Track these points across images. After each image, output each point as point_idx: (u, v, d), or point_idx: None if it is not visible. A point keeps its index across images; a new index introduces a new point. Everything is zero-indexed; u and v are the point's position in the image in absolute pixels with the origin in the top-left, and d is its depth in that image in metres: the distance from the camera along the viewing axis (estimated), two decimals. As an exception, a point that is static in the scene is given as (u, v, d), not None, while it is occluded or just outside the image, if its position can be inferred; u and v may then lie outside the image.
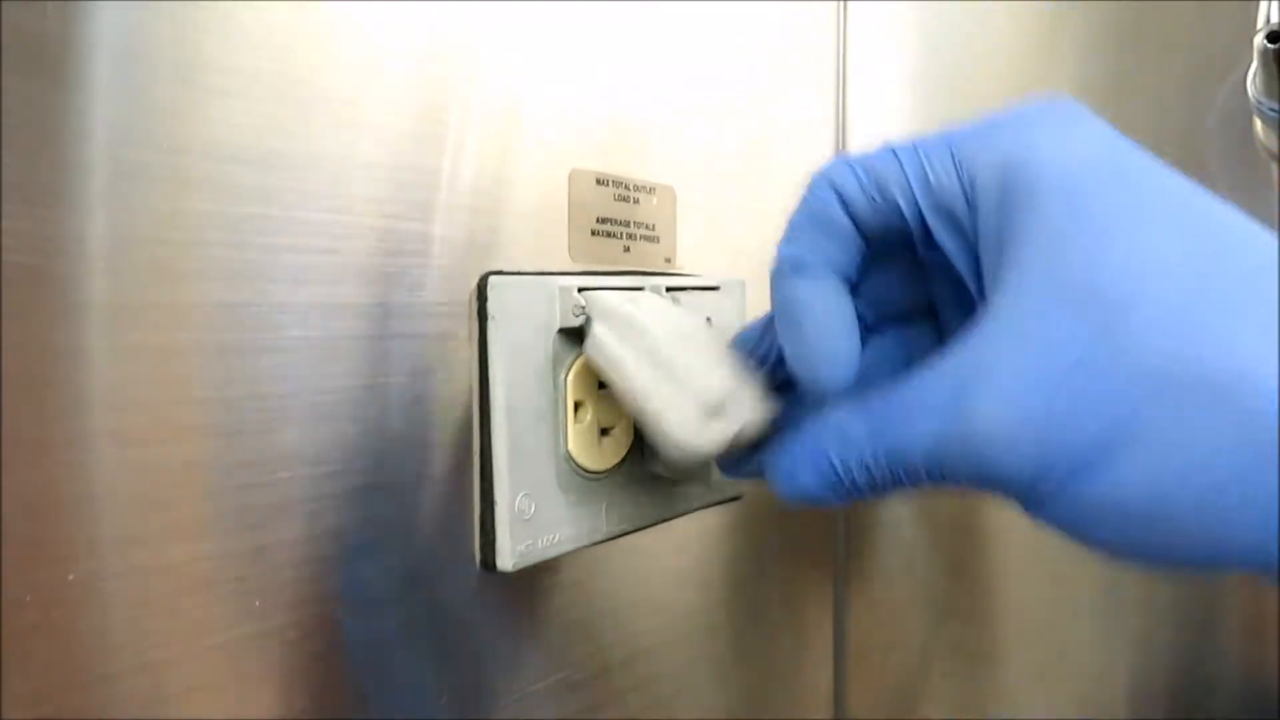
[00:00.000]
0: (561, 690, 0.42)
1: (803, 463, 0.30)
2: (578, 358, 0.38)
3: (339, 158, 0.32)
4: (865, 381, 0.32)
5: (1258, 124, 0.46)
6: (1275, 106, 0.44)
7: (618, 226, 0.43)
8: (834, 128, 0.61)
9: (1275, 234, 0.26)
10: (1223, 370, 0.24)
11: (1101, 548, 0.26)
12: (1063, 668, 0.54)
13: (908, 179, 0.30)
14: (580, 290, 0.38)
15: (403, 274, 0.34)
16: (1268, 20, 0.44)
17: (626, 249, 0.44)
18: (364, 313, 0.33)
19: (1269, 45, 0.41)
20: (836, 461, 0.29)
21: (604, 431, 0.39)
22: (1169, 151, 0.49)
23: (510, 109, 0.38)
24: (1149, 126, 0.50)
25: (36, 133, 0.25)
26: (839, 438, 0.29)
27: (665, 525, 0.45)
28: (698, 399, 0.34)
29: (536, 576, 0.40)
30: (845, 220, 0.31)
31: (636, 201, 0.44)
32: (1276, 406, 0.23)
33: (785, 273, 0.33)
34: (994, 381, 0.26)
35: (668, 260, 0.46)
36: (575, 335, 0.38)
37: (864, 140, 0.60)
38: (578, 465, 0.38)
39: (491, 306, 0.36)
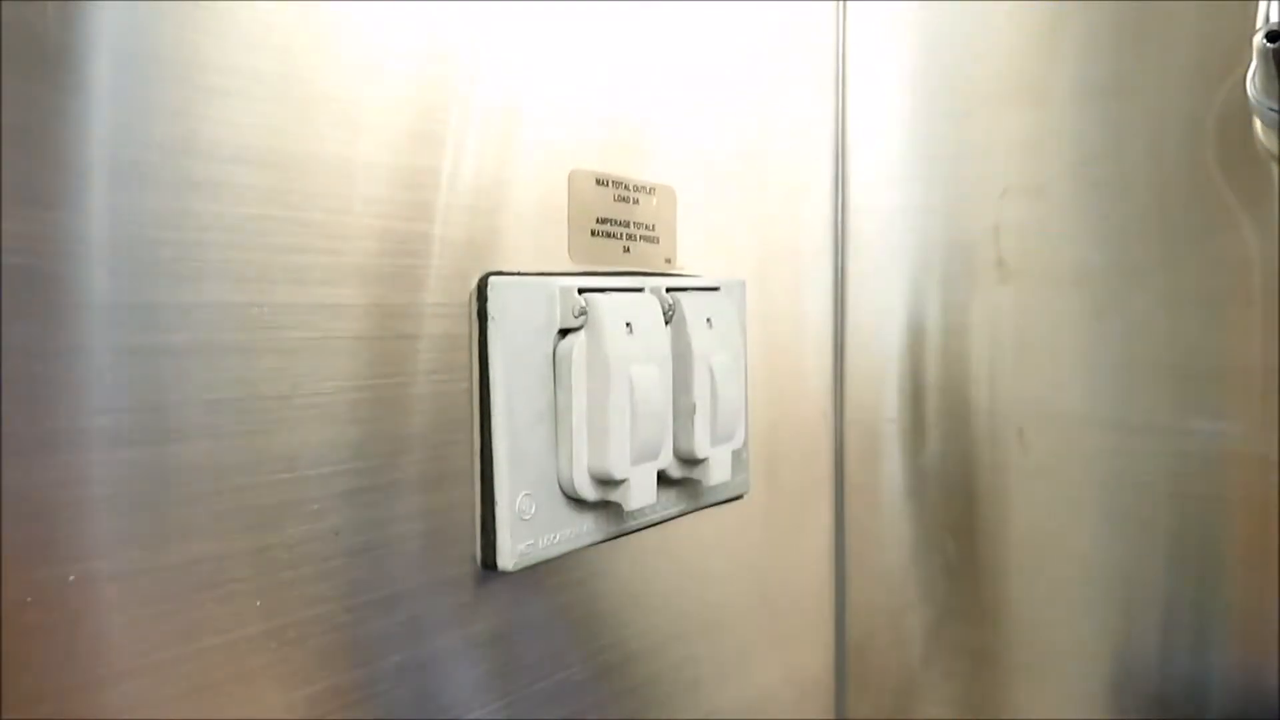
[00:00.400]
0: (561, 690, 0.42)
1: None
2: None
3: (339, 158, 0.32)
4: None
5: (1257, 124, 0.46)
6: (1275, 106, 0.44)
7: (618, 227, 0.43)
8: (834, 128, 0.61)
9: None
10: None
11: None
12: (1062, 668, 0.54)
13: None
14: (581, 291, 0.38)
15: (403, 274, 0.34)
16: (1267, 20, 0.44)
17: (626, 249, 0.44)
18: (364, 313, 0.33)
19: (1268, 45, 0.41)
20: None
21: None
22: (1169, 151, 0.49)
23: (510, 109, 0.38)
24: (1149, 126, 0.50)
25: (36, 133, 0.25)
26: None
27: (666, 526, 0.45)
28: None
29: (537, 576, 0.40)
30: None
31: (636, 202, 0.44)
32: None
33: None
34: None
35: (668, 260, 0.46)
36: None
37: (864, 140, 0.60)
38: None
39: (491, 307, 0.36)
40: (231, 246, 0.29)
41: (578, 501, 0.39)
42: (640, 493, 0.39)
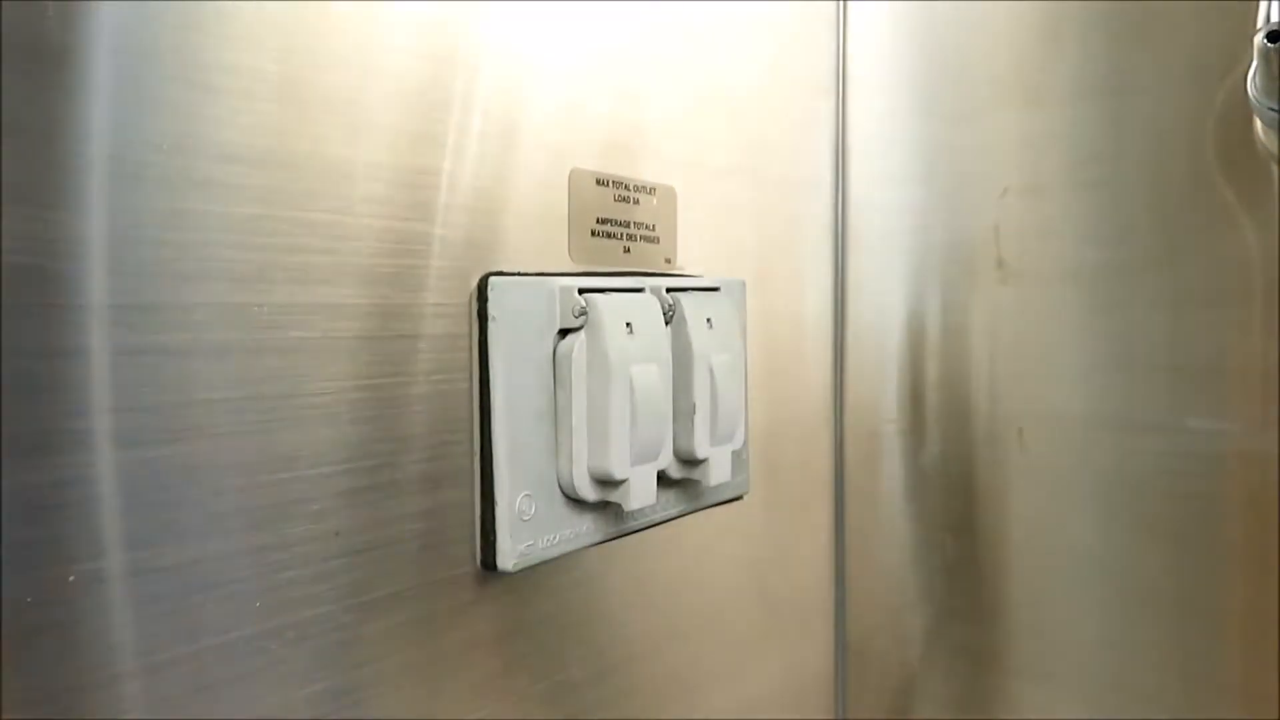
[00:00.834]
0: (561, 691, 0.42)
1: None
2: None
3: (340, 158, 0.32)
4: None
5: (1258, 124, 0.46)
6: (1275, 106, 0.44)
7: (618, 227, 0.43)
8: (834, 128, 0.61)
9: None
10: None
11: None
12: (1063, 668, 0.54)
13: None
14: (581, 291, 0.38)
15: (403, 274, 0.34)
16: (1267, 19, 0.44)
17: (627, 249, 0.44)
18: (364, 313, 0.33)
19: (1269, 45, 0.41)
20: None
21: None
22: (1169, 151, 0.49)
23: (510, 109, 0.38)
24: (1149, 126, 0.50)
25: (36, 133, 0.25)
26: None
27: (666, 526, 0.45)
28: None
29: (537, 577, 0.40)
30: None
31: (637, 202, 0.44)
32: None
33: None
34: None
35: (668, 260, 0.46)
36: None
37: (864, 140, 0.60)
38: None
39: (492, 307, 0.36)
40: (231, 246, 0.29)
41: (578, 502, 0.39)
42: (640, 493, 0.39)
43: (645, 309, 0.40)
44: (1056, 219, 0.53)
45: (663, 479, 0.42)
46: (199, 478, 0.29)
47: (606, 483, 0.38)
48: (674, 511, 0.44)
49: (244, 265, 0.30)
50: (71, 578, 0.26)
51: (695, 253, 0.48)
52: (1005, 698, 0.57)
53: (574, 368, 0.37)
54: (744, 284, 0.49)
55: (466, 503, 0.37)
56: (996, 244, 0.56)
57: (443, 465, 0.36)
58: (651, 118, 0.45)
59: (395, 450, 0.34)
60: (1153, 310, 0.50)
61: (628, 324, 0.39)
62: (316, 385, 0.32)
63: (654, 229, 0.45)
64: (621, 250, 0.43)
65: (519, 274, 0.37)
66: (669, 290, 0.43)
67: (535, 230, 0.39)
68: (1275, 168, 0.47)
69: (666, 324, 0.42)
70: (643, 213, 0.44)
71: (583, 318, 0.38)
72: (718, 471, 0.43)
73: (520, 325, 0.37)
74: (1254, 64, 0.44)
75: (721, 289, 0.46)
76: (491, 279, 0.36)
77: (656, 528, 0.44)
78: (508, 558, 0.36)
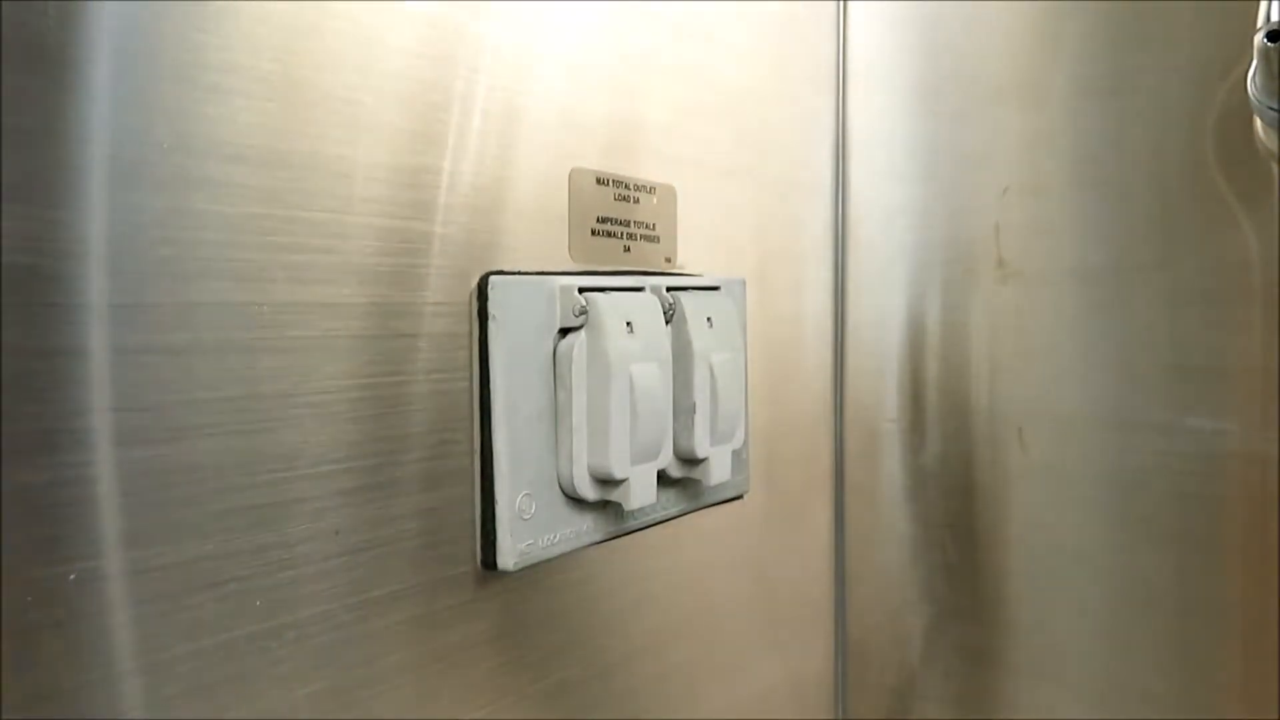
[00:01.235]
0: (561, 690, 0.42)
1: None
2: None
3: (340, 157, 0.32)
4: None
5: (1258, 124, 0.46)
6: (1275, 106, 0.44)
7: (618, 226, 0.43)
8: (834, 128, 0.61)
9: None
10: None
11: None
12: (1063, 668, 0.54)
13: None
14: (581, 290, 0.38)
15: (403, 273, 0.34)
16: (1267, 19, 0.44)
17: (627, 248, 0.44)
18: (364, 312, 0.33)
19: (1269, 44, 0.41)
20: None
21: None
22: (1169, 151, 0.49)
23: (510, 108, 0.38)
24: (1149, 126, 0.50)
25: (36, 133, 0.25)
26: None
27: (666, 525, 0.45)
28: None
29: (537, 576, 0.40)
30: None
31: (637, 201, 0.44)
32: None
33: None
34: None
35: (668, 260, 0.46)
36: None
37: (864, 140, 0.60)
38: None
39: (492, 306, 0.36)
40: (232, 245, 0.29)
41: (578, 501, 0.39)
42: (640, 492, 0.39)
43: (645, 308, 0.40)
44: (1057, 218, 0.53)
45: (663, 478, 0.42)
46: (199, 477, 0.29)
47: (607, 482, 0.38)
48: (674, 511, 0.44)
49: (244, 264, 0.30)
50: (71, 577, 0.26)
51: (695, 252, 0.48)
52: (1005, 697, 0.57)
53: (574, 367, 0.37)
54: (744, 283, 0.49)
55: (466, 502, 0.37)
56: (997, 243, 0.56)
57: (443, 464, 0.36)
58: (652, 117, 0.45)
59: (395, 449, 0.34)
60: (1153, 310, 0.50)
61: (628, 323, 0.39)
62: (316, 384, 0.32)
63: (654, 228, 0.45)
64: (622, 249, 0.43)
65: (519, 273, 0.37)
66: (669, 289, 0.43)
67: (535, 229, 0.39)
68: (1275, 167, 0.47)
69: (667, 323, 0.42)
70: (643, 212, 0.44)
71: (583, 317, 0.38)
72: (718, 471, 0.43)
73: (520, 324, 0.37)
74: (1254, 63, 0.44)
75: (721, 288, 0.46)
76: (492, 278, 0.36)
77: (656, 527, 0.44)
78: (508, 557, 0.36)
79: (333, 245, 0.32)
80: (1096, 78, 0.52)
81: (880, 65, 0.60)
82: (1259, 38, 0.41)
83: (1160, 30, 0.50)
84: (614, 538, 0.41)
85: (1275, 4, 0.43)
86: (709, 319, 0.43)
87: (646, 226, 0.45)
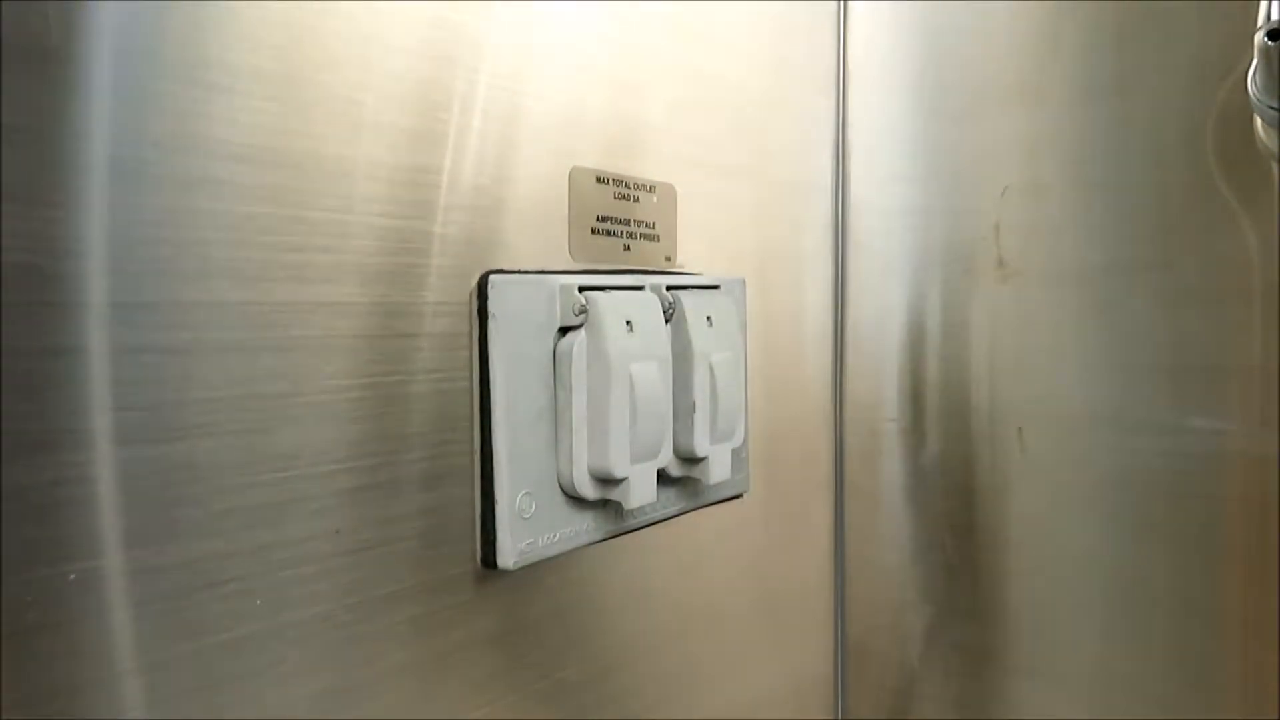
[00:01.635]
0: (561, 689, 0.42)
1: None
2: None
3: (340, 156, 0.32)
4: None
5: (1258, 123, 0.46)
6: (1275, 105, 0.44)
7: (618, 225, 0.43)
8: (834, 128, 0.61)
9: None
10: None
11: None
12: (1063, 668, 0.54)
13: None
14: (581, 289, 0.38)
15: (403, 272, 0.34)
16: (1268, 18, 0.44)
17: (627, 247, 0.44)
18: (364, 311, 0.33)
19: (1269, 43, 0.41)
20: None
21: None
22: (1169, 151, 0.49)
23: (510, 108, 0.38)
24: (1149, 126, 0.50)
25: (36, 133, 0.25)
26: None
27: (666, 524, 0.45)
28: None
29: (537, 575, 0.40)
30: None
31: (637, 200, 0.44)
32: None
33: None
34: None
35: (668, 259, 0.46)
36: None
37: (864, 140, 0.60)
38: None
39: (492, 305, 0.36)
40: (232, 245, 0.29)
41: (578, 500, 0.39)
42: (640, 491, 0.39)
43: (645, 307, 0.40)
44: (1057, 218, 0.53)
45: (663, 477, 0.42)
46: (199, 476, 0.29)
47: (606, 481, 0.38)
48: (674, 510, 0.44)
49: (244, 263, 0.30)
50: (71, 576, 0.26)
51: (695, 251, 0.48)
52: (1005, 697, 0.57)
53: (574, 366, 0.37)
54: (744, 282, 0.49)
55: (466, 501, 0.37)
56: (997, 243, 0.56)
57: (443, 463, 0.36)
58: (652, 116, 0.45)
59: (395, 448, 0.34)
60: (1153, 310, 0.50)
61: (628, 322, 0.39)
62: (316, 383, 0.32)
63: (654, 227, 0.45)
64: (622, 248, 0.43)
65: (519, 272, 0.37)
66: (669, 288, 0.43)
67: (535, 228, 0.39)
68: (1275, 167, 0.47)
69: (666, 322, 0.42)
70: (643, 211, 0.44)
71: (583, 316, 0.38)
72: (718, 470, 0.43)
73: (520, 323, 0.37)
74: (1254, 63, 0.44)
75: (721, 287, 0.46)
76: (492, 277, 0.36)
77: (656, 526, 0.44)
78: (508, 556, 0.36)
79: (333, 244, 0.32)
80: (1096, 78, 0.52)
81: (880, 65, 0.60)
82: (1259, 37, 0.41)
83: (1160, 30, 0.50)
84: (614, 537, 0.41)
85: (1275, 4, 0.43)
86: (709, 318, 0.43)
87: (646, 225, 0.45)
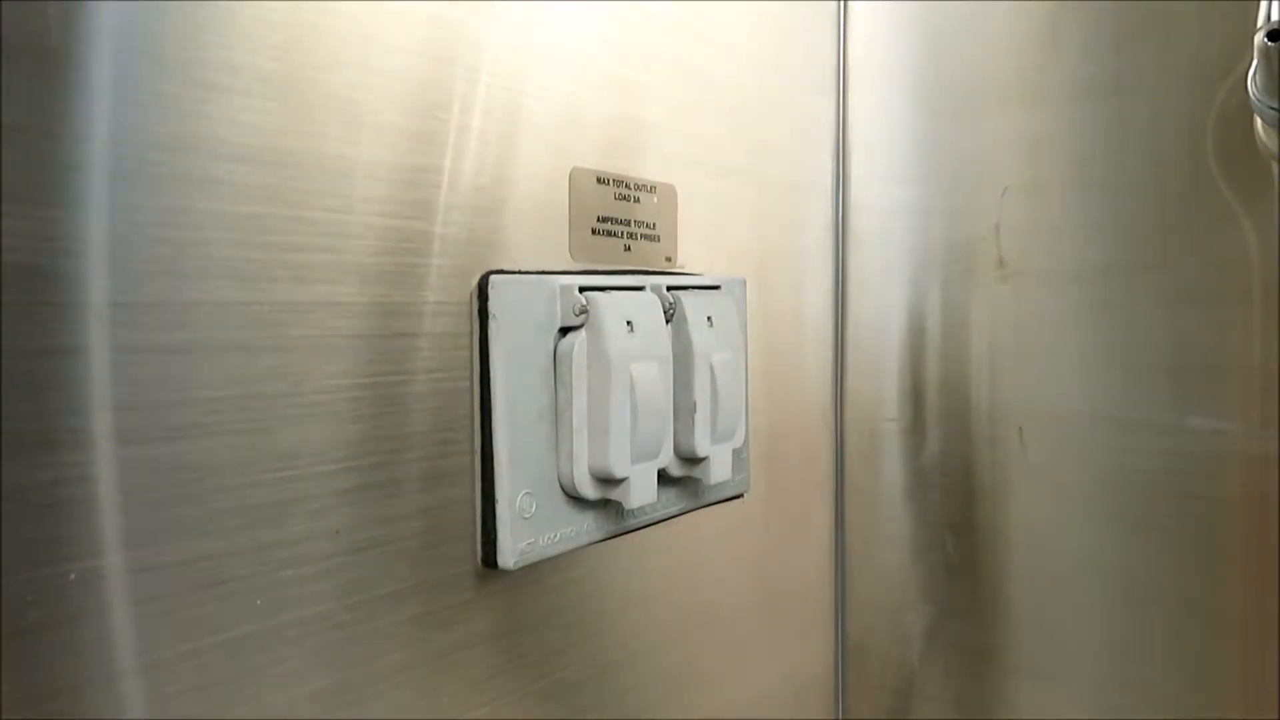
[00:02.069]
0: (561, 689, 0.42)
1: None
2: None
3: (340, 156, 0.32)
4: None
5: (1258, 123, 0.46)
6: (1275, 105, 0.44)
7: (618, 225, 0.43)
8: (834, 128, 0.61)
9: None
10: None
11: None
12: (1063, 667, 0.54)
13: None
14: (581, 289, 0.38)
15: (404, 272, 0.34)
16: (1268, 18, 0.44)
17: (627, 248, 0.44)
18: (364, 311, 0.33)
19: (1269, 43, 0.41)
20: None
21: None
22: (1169, 151, 0.49)
23: (511, 108, 0.38)
24: (1149, 126, 0.50)
25: (36, 133, 0.25)
26: None
27: (666, 524, 0.45)
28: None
29: (537, 575, 0.40)
30: None
31: (637, 200, 0.44)
32: None
33: None
34: None
35: (668, 259, 0.46)
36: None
37: (864, 140, 0.60)
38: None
39: (492, 305, 0.36)
40: (232, 244, 0.29)
41: (578, 500, 0.39)
42: (641, 491, 0.39)
43: (646, 307, 0.40)
44: (1057, 218, 0.53)
45: (663, 477, 0.42)
46: (199, 476, 0.29)
47: (607, 481, 0.38)
48: (674, 510, 0.44)
49: (244, 263, 0.30)
50: (72, 576, 0.26)
51: (696, 251, 0.48)
52: (1005, 697, 0.57)
53: (574, 366, 0.37)
54: (744, 282, 0.49)
55: (467, 501, 0.37)
56: (997, 243, 0.56)
57: (443, 463, 0.36)
58: (652, 116, 0.45)
59: (396, 448, 0.34)
60: (1153, 310, 0.50)
61: (628, 322, 0.39)
62: (317, 383, 0.32)
63: (654, 227, 0.45)
64: (622, 248, 0.43)
65: (520, 272, 0.37)
66: (670, 288, 0.43)
67: (536, 228, 0.39)
68: (1275, 167, 0.47)
69: (667, 322, 0.42)
70: (643, 211, 0.44)
71: (583, 316, 0.38)
72: (718, 470, 0.43)
73: (521, 323, 0.37)
74: (1254, 63, 0.44)
75: (722, 287, 0.46)
76: (492, 277, 0.36)
77: (656, 526, 0.44)
78: (508, 556, 0.36)
79: (333, 244, 0.32)
80: (1096, 78, 0.52)
81: (880, 65, 0.60)
82: (1259, 37, 0.41)
83: (1160, 30, 0.50)
84: (614, 536, 0.41)
85: (1275, 4, 0.43)
86: (709, 318, 0.43)
87: (647, 226, 0.45)
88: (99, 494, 0.26)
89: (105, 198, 0.26)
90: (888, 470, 0.61)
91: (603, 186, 0.42)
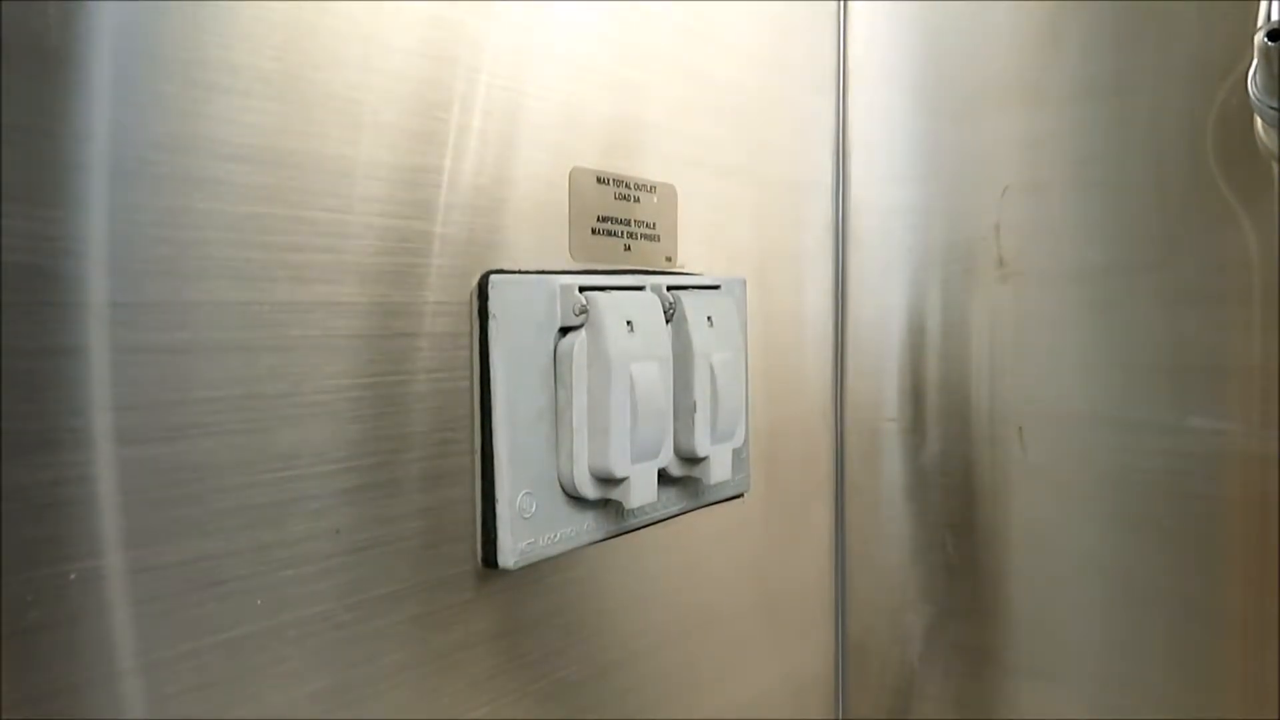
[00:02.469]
0: (561, 689, 0.42)
1: None
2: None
3: (340, 156, 0.32)
4: None
5: (1258, 123, 0.46)
6: (1275, 105, 0.44)
7: (618, 225, 0.43)
8: (834, 127, 0.61)
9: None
10: None
11: None
12: (1063, 667, 0.54)
13: None
14: (581, 289, 0.38)
15: (403, 272, 0.34)
16: (1268, 18, 0.44)
17: (627, 247, 0.44)
18: (364, 311, 0.33)
19: (1269, 43, 0.41)
20: None
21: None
22: (1169, 151, 0.49)
23: (511, 108, 0.38)
24: (1149, 126, 0.50)
25: (36, 133, 0.25)
26: None
27: (666, 524, 0.45)
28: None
29: (538, 575, 0.40)
30: None
31: (637, 200, 0.44)
32: None
33: None
34: None
35: (668, 259, 0.46)
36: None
37: (864, 140, 0.60)
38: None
39: (492, 305, 0.36)
40: (232, 244, 0.29)
41: (578, 500, 0.39)
42: (641, 491, 0.39)
43: (646, 307, 0.40)
44: (1057, 218, 0.53)
45: (663, 477, 0.42)
46: (199, 475, 0.29)
47: (607, 481, 0.38)
48: (674, 509, 0.44)
49: (244, 263, 0.29)
50: (72, 576, 0.26)
51: (696, 251, 0.48)
52: (1005, 697, 0.57)
53: (574, 366, 0.37)
54: (744, 282, 0.49)
55: (467, 500, 0.37)
56: (997, 243, 0.56)
57: (443, 463, 0.36)
58: (652, 116, 0.45)
59: (396, 448, 0.34)
60: (1153, 310, 0.50)
61: (628, 322, 0.39)
62: (317, 383, 0.32)
63: (654, 227, 0.45)
64: (622, 248, 0.43)
65: (520, 272, 0.37)
66: (670, 288, 0.43)
67: (536, 228, 0.39)
68: (1275, 167, 0.47)
69: (667, 322, 0.42)
70: (643, 211, 0.44)
71: (583, 316, 0.38)
72: (718, 469, 0.43)
73: (521, 323, 0.37)
74: (1254, 63, 0.44)
75: (722, 287, 0.46)
76: (492, 277, 0.36)
77: (656, 526, 0.44)
78: (508, 555, 0.36)
79: (333, 244, 0.32)
80: (1096, 78, 0.52)
81: (880, 65, 0.60)
82: (1259, 37, 0.41)
83: (1160, 30, 0.50)
84: (614, 536, 0.41)
85: (1275, 4, 0.43)
86: (709, 318, 0.43)
87: (647, 225, 0.45)
88: (99, 494, 0.26)
89: (105, 198, 0.26)
90: (888, 470, 0.61)
91: (603, 186, 0.42)
